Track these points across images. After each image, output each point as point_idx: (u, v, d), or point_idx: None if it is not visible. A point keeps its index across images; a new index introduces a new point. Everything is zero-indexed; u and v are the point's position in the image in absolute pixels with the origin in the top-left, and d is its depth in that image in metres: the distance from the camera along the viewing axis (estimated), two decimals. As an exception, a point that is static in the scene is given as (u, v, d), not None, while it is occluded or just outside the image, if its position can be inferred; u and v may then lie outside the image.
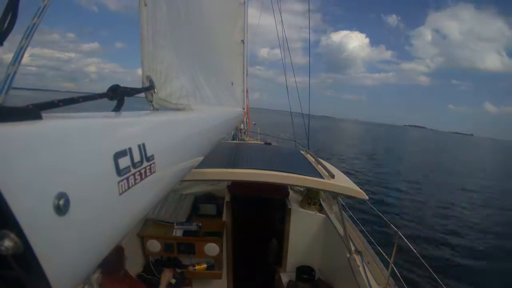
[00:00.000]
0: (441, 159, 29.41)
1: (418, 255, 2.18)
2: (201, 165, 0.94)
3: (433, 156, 32.45)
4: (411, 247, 2.15)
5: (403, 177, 15.85)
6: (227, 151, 2.92)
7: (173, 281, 2.41)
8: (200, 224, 2.76)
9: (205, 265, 2.72)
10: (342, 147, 28.41)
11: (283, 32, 5.15)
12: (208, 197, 3.24)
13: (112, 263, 1.87)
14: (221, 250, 2.70)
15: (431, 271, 2.14)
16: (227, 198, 2.98)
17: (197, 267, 2.71)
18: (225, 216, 2.92)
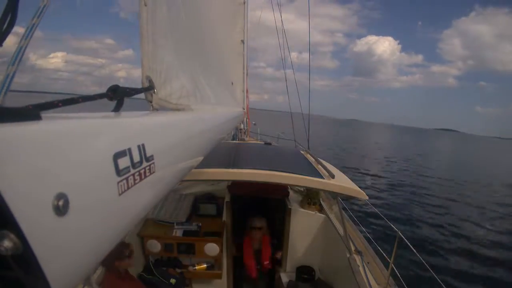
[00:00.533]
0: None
1: (418, 255, 2.18)
2: (201, 165, 0.94)
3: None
4: (411, 247, 2.15)
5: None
6: (227, 151, 2.92)
7: (173, 281, 2.42)
8: (200, 224, 2.76)
9: (205, 265, 2.73)
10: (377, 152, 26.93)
11: (283, 33, 5.15)
12: (208, 197, 3.24)
13: (113, 258, 1.87)
14: (221, 250, 2.70)
15: (431, 271, 2.15)
16: (227, 198, 2.98)
17: (197, 267, 2.71)
18: (225, 216, 2.92)
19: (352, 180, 2.21)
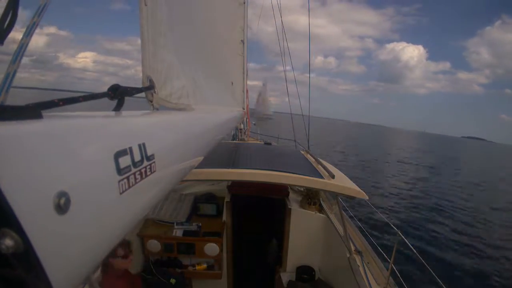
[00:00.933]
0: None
1: (418, 255, 2.18)
2: (201, 165, 0.94)
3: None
4: (411, 247, 2.15)
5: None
6: (227, 151, 2.92)
7: (173, 281, 2.41)
8: (200, 224, 2.76)
9: (205, 265, 2.72)
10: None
11: (283, 33, 5.15)
12: (208, 197, 3.23)
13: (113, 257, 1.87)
14: (221, 250, 2.70)
15: (431, 271, 2.14)
16: (227, 198, 2.98)
17: (197, 267, 2.71)
18: (225, 216, 2.92)
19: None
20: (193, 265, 2.72)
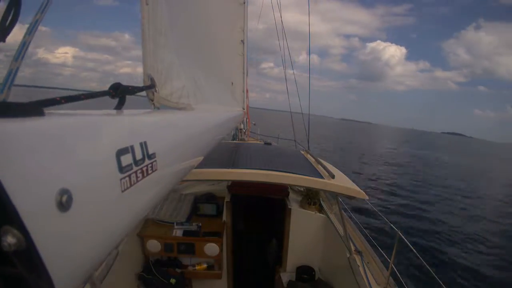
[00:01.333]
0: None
1: (418, 255, 2.18)
2: (201, 165, 0.94)
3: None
4: (411, 247, 2.15)
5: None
6: (227, 151, 2.92)
7: (173, 281, 2.41)
8: (200, 224, 2.76)
9: (205, 265, 2.72)
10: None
11: (283, 33, 5.15)
12: (208, 197, 3.23)
13: None
14: (221, 250, 2.70)
15: (431, 271, 2.14)
16: (227, 198, 2.98)
17: (197, 267, 2.71)
18: (225, 216, 2.92)
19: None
20: (193, 265, 2.72)
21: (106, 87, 0.53)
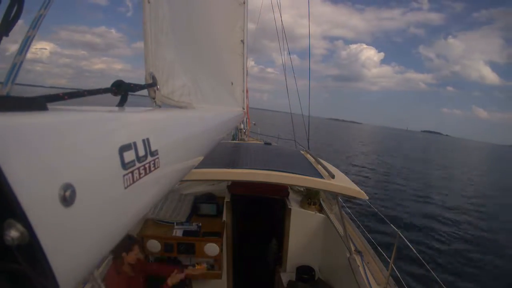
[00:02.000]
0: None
1: (418, 255, 2.18)
2: (201, 165, 0.94)
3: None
4: (411, 247, 2.15)
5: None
6: (227, 151, 2.92)
7: None
8: (200, 224, 2.76)
9: (205, 265, 2.72)
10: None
11: (283, 32, 5.15)
12: (208, 197, 3.23)
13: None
14: (221, 250, 2.70)
15: (431, 271, 2.15)
16: (227, 198, 2.98)
17: (197, 267, 2.71)
18: (225, 216, 2.92)
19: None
20: (193, 265, 2.71)
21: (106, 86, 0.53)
